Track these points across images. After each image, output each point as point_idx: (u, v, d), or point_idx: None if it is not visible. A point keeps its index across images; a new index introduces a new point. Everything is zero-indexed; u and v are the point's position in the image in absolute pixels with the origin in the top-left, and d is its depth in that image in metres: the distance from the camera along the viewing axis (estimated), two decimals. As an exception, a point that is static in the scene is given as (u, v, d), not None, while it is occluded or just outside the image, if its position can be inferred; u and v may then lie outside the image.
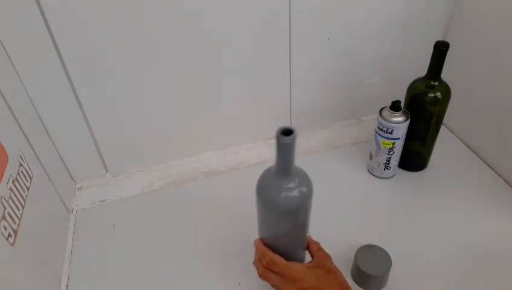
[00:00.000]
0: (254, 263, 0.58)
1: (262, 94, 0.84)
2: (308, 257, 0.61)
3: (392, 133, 0.72)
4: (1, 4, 0.59)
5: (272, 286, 0.55)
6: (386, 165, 0.77)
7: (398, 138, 0.73)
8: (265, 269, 0.55)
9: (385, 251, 0.61)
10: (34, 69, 0.66)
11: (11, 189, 0.55)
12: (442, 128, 0.82)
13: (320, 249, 0.58)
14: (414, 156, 0.80)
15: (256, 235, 0.58)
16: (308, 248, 0.59)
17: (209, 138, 0.88)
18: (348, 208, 0.75)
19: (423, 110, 0.73)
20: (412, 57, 0.86)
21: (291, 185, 0.49)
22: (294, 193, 0.49)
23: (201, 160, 0.89)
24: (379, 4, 0.78)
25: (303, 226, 0.55)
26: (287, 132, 0.44)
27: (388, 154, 0.75)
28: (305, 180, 0.51)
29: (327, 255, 0.57)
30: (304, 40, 0.78)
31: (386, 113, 0.72)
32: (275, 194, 0.49)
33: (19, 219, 0.55)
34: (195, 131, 0.84)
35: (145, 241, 0.71)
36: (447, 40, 0.71)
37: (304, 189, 0.50)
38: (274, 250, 0.57)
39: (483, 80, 0.79)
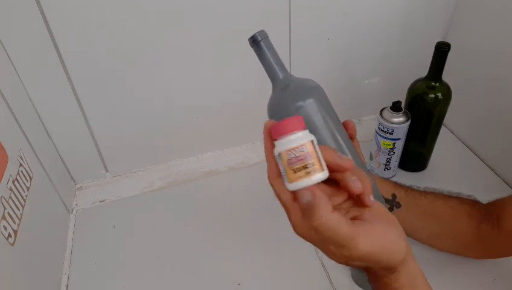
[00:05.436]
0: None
1: (262, 94, 0.84)
2: None
3: (392, 134, 0.72)
4: (1, 4, 0.59)
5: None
6: (386, 166, 0.77)
7: (399, 139, 0.73)
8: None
9: (385, 251, 0.61)
10: (34, 69, 0.66)
11: (11, 189, 0.55)
12: (443, 129, 0.81)
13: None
14: (414, 157, 0.80)
15: (257, 236, 0.58)
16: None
17: (209, 138, 0.88)
18: (348, 208, 0.75)
19: (424, 110, 0.73)
20: (412, 57, 0.86)
21: (288, 81, 0.46)
22: (299, 84, 0.46)
23: (201, 160, 0.89)
24: (379, 4, 0.78)
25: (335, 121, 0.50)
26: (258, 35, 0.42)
27: (388, 154, 0.75)
28: (305, 78, 0.47)
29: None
30: (304, 40, 0.78)
31: (387, 113, 0.72)
32: (284, 98, 0.47)
33: (19, 219, 0.55)
34: (195, 131, 0.84)
35: (145, 241, 0.71)
36: (447, 40, 0.71)
37: (309, 82, 0.46)
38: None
39: (484, 80, 0.79)
